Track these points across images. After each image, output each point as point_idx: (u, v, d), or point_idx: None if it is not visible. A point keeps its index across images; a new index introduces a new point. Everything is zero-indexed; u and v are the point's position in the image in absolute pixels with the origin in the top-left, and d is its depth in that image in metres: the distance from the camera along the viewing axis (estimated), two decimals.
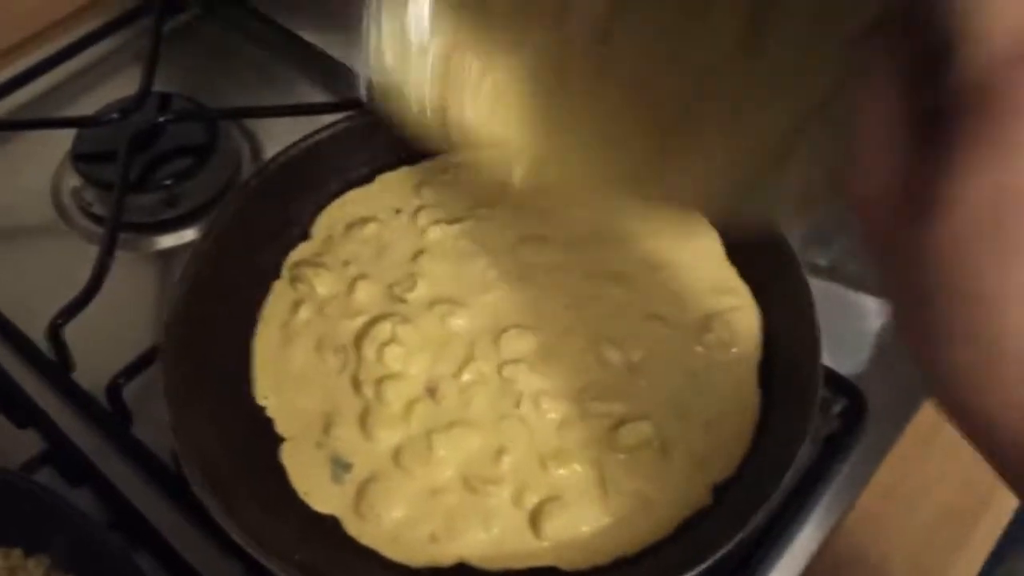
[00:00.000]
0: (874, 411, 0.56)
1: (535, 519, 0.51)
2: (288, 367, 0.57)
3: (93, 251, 0.62)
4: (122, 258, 0.63)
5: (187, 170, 0.70)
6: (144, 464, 0.57)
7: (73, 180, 0.72)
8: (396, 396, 0.55)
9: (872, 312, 0.62)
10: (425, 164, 0.64)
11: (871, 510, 0.55)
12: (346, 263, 0.61)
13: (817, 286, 0.54)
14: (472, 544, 0.50)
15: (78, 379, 0.61)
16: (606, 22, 0.46)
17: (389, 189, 0.64)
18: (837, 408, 0.57)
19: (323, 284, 0.59)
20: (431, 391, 0.55)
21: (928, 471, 0.57)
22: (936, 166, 0.27)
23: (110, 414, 0.58)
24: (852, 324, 0.61)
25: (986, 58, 0.26)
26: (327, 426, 0.54)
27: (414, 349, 0.56)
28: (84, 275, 0.60)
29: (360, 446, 0.54)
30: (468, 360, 0.55)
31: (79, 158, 0.71)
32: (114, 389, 0.57)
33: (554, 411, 0.54)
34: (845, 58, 0.32)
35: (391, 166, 0.65)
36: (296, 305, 0.59)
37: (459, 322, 0.57)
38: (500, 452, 0.53)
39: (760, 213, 0.44)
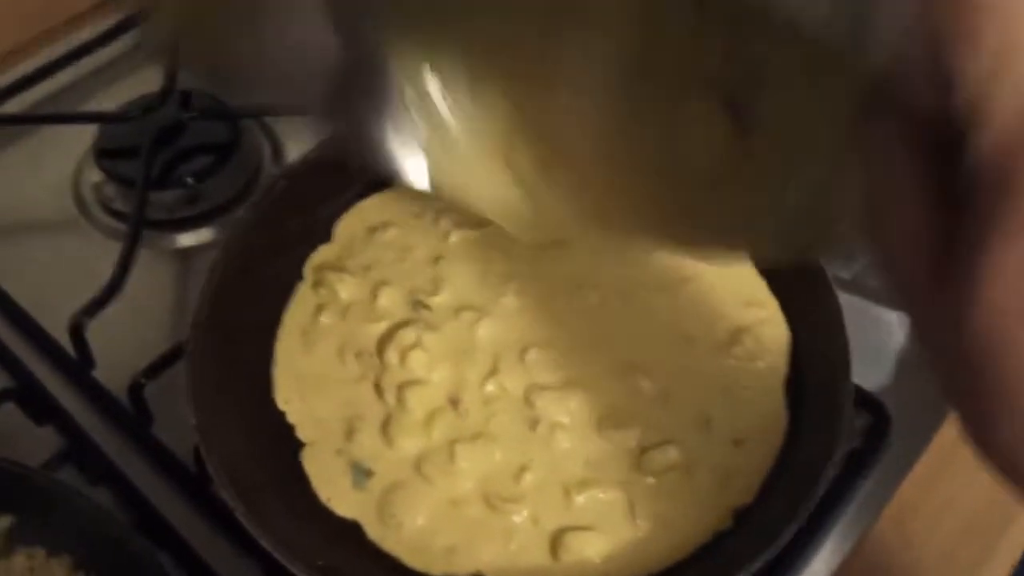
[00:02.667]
0: (898, 426, 0.56)
1: (555, 544, 0.50)
2: (309, 372, 0.57)
3: (113, 247, 0.62)
4: (141, 255, 0.63)
5: (208, 168, 0.70)
6: (164, 464, 0.56)
7: (94, 175, 0.72)
8: (418, 403, 0.54)
9: (895, 326, 0.62)
10: None
11: (894, 526, 0.55)
12: (368, 267, 0.60)
13: (840, 299, 0.54)
14: (490, 559, 0.50)
15: (97, 377, 0.60)
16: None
17: (410, 192, 0.64)
18: (860, 423, 0.56)
19: (345, 289, 0.59)
20: (454, 402, 0.54)
21: (952, 486, 0.57)
22: (966, 238, 0.27)
23: (131, 413, 0.58)
24: (875, 338, 0.61)
25: (1000, 143, 0.26)
26: (349, 432, 0.54)
27: (438, 356, 0.56)
28: (104, 271, 0.60)
29: (382, 453, 0.53)
30: (492, 373, 0.55)
31: (102, 154, 0.70)
32: (136, 389, 0.57)
33: (578, 436, 0.53)
34: (840, 135, 0.31)
35: None
36: (318, 310, 0.59)
37: (483, 331, 0.57)
38: (522, 470, 0.52)
39: (808, 254, 0.44)
